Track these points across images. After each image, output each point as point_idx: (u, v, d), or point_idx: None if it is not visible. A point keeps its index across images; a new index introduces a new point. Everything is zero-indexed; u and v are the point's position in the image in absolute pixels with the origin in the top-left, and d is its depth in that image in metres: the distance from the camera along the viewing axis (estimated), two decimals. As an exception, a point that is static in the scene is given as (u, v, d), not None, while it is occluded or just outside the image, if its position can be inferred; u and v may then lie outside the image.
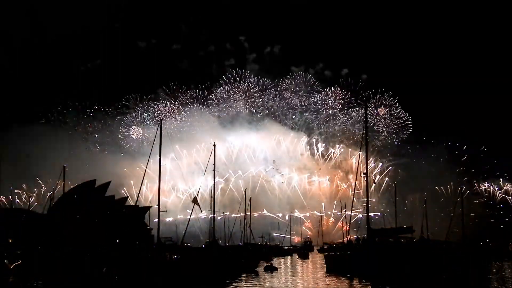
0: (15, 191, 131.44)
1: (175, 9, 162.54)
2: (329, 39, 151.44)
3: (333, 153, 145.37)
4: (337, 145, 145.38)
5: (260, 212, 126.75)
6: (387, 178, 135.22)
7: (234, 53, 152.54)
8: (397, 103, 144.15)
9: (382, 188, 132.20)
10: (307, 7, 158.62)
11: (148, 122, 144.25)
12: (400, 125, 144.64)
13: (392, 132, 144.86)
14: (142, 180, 59.30)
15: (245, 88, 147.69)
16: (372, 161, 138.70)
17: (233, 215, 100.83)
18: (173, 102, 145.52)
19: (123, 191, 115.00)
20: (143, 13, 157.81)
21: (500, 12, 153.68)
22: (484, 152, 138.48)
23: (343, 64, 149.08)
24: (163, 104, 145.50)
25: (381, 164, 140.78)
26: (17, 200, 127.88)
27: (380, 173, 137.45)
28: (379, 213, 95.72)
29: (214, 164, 60.03)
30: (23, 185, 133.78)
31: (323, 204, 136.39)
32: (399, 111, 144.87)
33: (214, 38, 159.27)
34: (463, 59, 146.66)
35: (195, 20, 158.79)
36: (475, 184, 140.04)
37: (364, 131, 63.04)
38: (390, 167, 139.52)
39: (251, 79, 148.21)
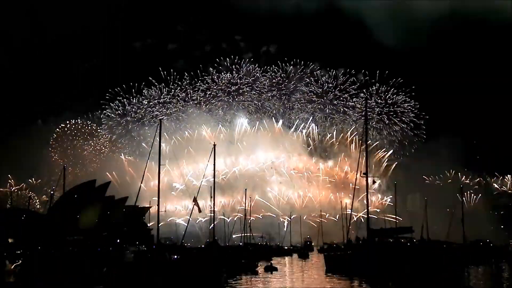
0: (15, 190, 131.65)
1: (175, 9, 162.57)
2: (326, 38, 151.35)
3: (332, 152, 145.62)
4: (336, 144, 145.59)
5: (261, 216, 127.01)
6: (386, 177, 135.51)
7: (230, 53, 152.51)
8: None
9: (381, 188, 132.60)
10: (304, 6, 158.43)
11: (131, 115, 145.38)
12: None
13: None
14: (142, 180, 59.36)
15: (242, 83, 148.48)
16: (384, 149, 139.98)
17: (230, 218, 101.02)
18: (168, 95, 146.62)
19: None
20: (143, 13, 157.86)
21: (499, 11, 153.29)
22: (487, 150, 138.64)
23: (340, 64, 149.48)
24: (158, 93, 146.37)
25: (391, 151, 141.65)
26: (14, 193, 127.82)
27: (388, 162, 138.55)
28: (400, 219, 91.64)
29: (214, 164, 59.95)
30: (23, 184, 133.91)
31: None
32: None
33: (211, 38, 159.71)
34: (463, 59, 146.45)
35: (195, 20, 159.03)
36: (476, 183, 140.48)
37: (364, 130, 62.94)
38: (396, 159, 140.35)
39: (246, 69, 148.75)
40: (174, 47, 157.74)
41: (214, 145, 59.79)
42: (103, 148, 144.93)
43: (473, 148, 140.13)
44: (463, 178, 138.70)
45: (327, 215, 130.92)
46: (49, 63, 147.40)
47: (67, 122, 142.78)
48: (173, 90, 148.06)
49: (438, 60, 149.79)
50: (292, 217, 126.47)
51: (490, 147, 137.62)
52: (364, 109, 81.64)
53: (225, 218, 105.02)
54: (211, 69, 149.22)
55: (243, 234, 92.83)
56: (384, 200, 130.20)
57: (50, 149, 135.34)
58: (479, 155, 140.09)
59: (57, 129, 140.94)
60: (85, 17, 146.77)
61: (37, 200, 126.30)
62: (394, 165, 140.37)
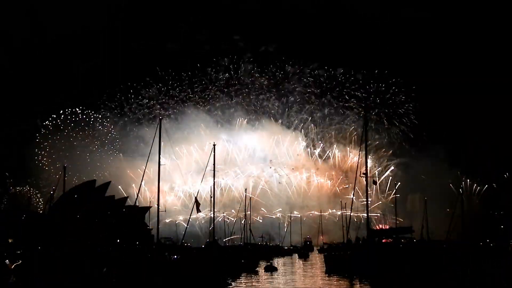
0: (15, 190, 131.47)
1: (175, 9, 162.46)
2: (324, 38, 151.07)
3: (332, 153, 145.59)
4: (335, 145, 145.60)
5: (261, 217, 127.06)
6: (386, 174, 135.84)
7: (229, 53, 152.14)
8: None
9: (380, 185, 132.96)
10: (303, 6, 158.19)
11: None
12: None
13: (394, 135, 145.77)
14: (142, 180, 59.39)
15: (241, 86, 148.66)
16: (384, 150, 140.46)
17: (232, 216, 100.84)
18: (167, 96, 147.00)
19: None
20: (143, 13, 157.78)
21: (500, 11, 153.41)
22: (487, 150, 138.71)
23: (339, 64, 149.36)
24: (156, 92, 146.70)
25: (391, 151, 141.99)
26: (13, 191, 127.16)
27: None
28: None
29: (214, 164, 59.97)
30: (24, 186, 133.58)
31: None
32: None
33: (210, 38, 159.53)
34: (462, 59, 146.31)
35: (195, 20, 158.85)
36: (476, 183, 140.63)
37: (364, 130, 62.86)
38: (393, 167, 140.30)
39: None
40: (173, 47, 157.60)
41: (214, 145, 59.84)
42: (102, 148, 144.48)
43: (473, 148, 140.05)
44: (463, 178, 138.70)
45: (327, 215, 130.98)
46: (49, 63, 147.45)
47: (61, 112, 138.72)
48: (171, 91, 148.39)
49: (438, 60, 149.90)
50: (292, 217, 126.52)
51: (490, 147, 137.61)
52: (363, 109, 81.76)
53: (225, 219, 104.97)
54: (209, 69, 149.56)
55: (242, 235, 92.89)
56: (386, 198, 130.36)
57: (36, 150, 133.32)
58: (479, 155, 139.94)
59: (47, 122, 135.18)
60: (85, 17, 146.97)
61: (40, 199, 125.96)
62: (394, 165, 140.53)
